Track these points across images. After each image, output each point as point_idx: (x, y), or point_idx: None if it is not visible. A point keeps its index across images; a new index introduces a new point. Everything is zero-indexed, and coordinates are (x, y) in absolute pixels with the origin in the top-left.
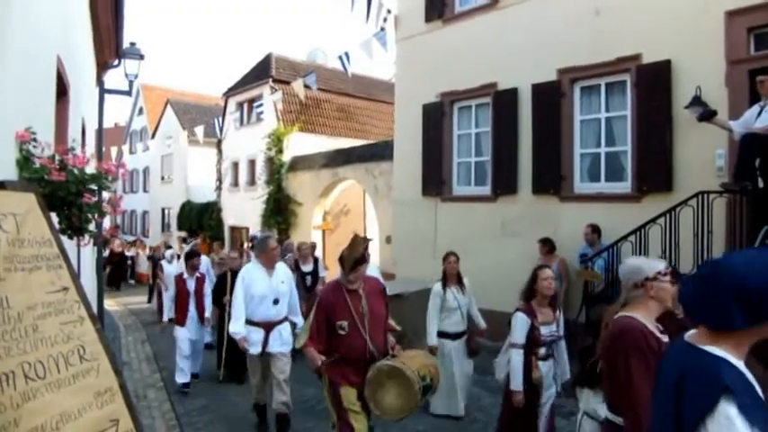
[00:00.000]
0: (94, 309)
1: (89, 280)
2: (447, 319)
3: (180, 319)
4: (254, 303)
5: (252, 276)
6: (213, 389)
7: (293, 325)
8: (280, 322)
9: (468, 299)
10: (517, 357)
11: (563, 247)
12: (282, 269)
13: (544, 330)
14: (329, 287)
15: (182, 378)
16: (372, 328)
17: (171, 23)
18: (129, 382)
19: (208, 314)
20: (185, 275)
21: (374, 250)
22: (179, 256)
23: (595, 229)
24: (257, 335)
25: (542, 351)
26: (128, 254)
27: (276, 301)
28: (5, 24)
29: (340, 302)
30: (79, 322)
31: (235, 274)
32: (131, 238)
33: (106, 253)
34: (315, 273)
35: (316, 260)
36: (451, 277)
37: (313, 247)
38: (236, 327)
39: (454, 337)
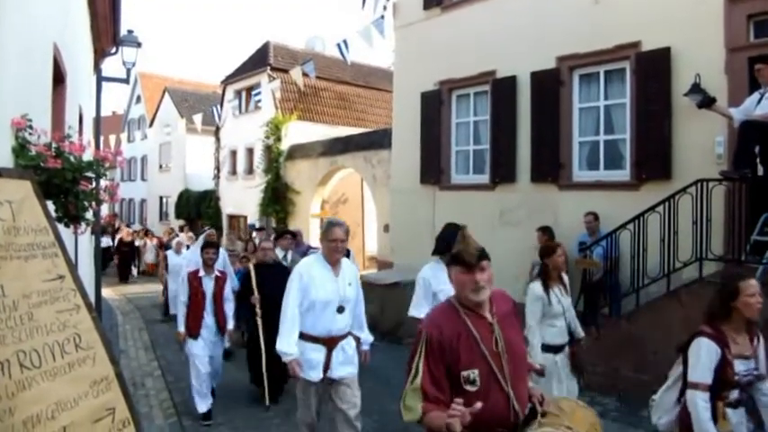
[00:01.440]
0: (92, 297)
1: (86, 268)
2: (550, 327)
3: (193, 328)
4: (315, 312)
5: (313, 274)
6: None
7: (356, 340)
8: (343, 337)
9: (569, 301)
10: (703, 404)
11: (561, 236)
12: (350, 268)
13: (740, 366)
14: (438, 314)
15: (202, 405)
16: (515, 377)
17: (168, 11)
18: (127, 371)
19: (230, 325)
20: (201, 273)
21: (372, 238)
22: (188, 246)
23: (597, 217)
24: (317, 354)
25: (734, 395)
26: (137, 243)
27: (341, 310)
28: (2, 12)
29: (462, 339)
30: (75, 311)
31: (262, 268)
32: (138, 227)
33: (114, 242)
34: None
35: (348, 252)
36: (555, 275)
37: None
38: (286, 344)
39: (557, 349)
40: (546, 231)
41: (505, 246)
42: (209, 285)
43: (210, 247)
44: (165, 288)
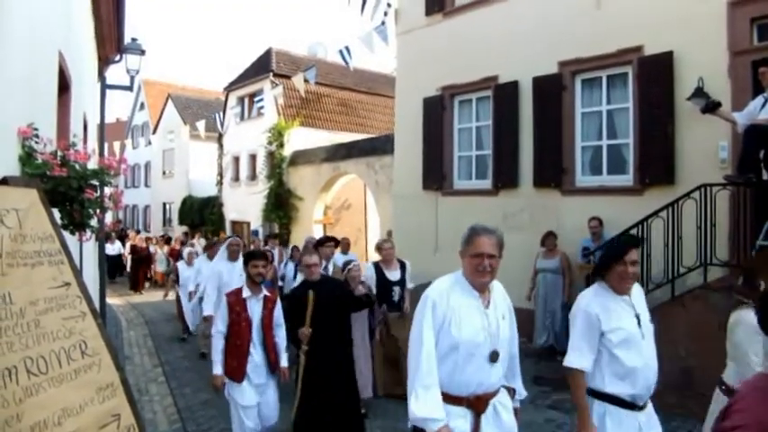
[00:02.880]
0: (96, 304)
1: (91, 275)
2: None
3: (236, 369)
4: (456, 359)
5: (453, 304)
6: None
7: (511, 392)
8: (495, 394)
9: None
10: None
11: (565, 241)
12: (502, 295)
13: None
14: None
15: None
16: None
17: (171, 18)
18: (131, 377)
19: (284, 362)
20: (246, 293)
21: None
22: (197, 254)
23: (601, 222)
24: (461, 421)
25: None
26: (151, 250)
27: (495, 357)
28: (7, 20)
29: None
30: (81, 317)
31: (309, 288)
32: (149, 234)
33: (125, 250)
34: (403, 282)
35: (403, 265)
36: None
37: (347, 244)
38: (431, 406)
39: None
40: (550, 236)
41: (509, 251)
42: (255, 310)
43: (259, 258)
44: (179, 303)
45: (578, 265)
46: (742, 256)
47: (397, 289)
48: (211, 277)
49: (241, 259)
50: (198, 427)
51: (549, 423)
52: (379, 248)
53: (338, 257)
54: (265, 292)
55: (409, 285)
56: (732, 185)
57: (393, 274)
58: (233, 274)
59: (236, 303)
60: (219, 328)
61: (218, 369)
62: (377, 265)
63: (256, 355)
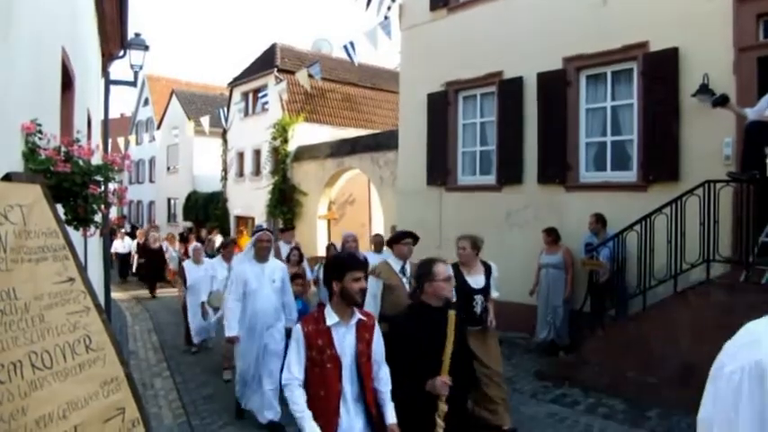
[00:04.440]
0: (101, 299)
1: (96, 271)
2: None
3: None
4: None
5: None
6: (220, 379)
7: None
8: None
9: None
10: None
11: (568, 237)
12: None
13: None
14: None
15: None
16: None
17: (175, 13)
18: (136, 371)
19: (391, 417)
20: (330, 320)
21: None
22: (219, 251)
23: (599, 219)
24: None
25: None
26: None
27: None
28: (12, 16)
29: None
30: (85, 312)
31: (418, 317)
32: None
33: (133, 247)
34: (487, 290)
35: (488, 268)
36: None
37: (379, 242)
38: None
39: None
40: (551, 232)
41: (512, 247)
42: (347, 342)
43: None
44: (185, 310)
45: (581, 260)
46: (744, 252)
47: (479, 298)
48: (235, 284)
49: (272, 261)
50: (202, 421)
51: (551, 417)
52: (464, 251)
53: (370, 257)
54: (359, 315)
55: (494, 294)
56: (736, 182)
57: (476, 280)
58: (262, 280)
59: (315, 335)
60: (294, 374)
61: (311, 425)
62: (456, 268)
63: (348, 413)
